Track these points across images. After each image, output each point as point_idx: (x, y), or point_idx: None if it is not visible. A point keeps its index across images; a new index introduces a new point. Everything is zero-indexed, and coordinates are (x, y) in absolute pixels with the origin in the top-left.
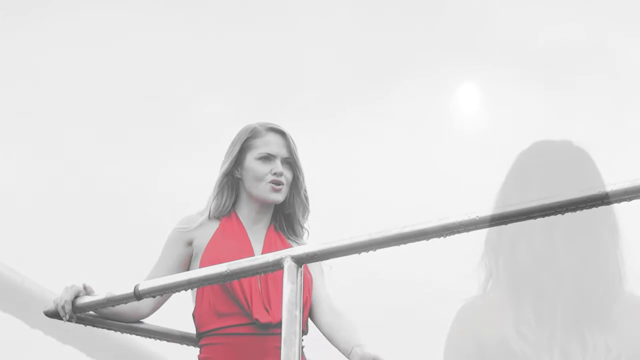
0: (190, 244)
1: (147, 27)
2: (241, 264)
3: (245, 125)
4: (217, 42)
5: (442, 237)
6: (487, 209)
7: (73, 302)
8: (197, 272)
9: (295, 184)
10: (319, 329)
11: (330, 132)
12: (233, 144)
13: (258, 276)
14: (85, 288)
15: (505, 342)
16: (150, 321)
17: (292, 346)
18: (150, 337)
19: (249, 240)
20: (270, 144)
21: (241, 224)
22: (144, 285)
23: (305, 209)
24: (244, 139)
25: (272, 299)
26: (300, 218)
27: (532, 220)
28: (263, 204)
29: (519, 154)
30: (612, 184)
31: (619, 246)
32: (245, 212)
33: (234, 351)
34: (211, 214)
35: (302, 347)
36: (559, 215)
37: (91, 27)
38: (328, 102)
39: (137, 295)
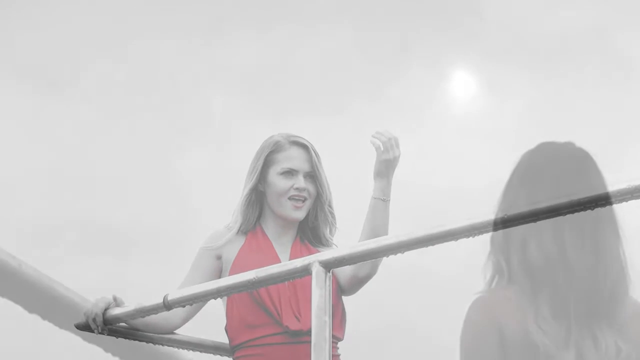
0: (219, 258)
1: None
2: (269, 270)
3: (268, 137)
4: (221, 35)
5: (470, 237)
6: (498, 209)
7: (104, 314)
8: (225, 280)
9: (319, 198)
10: (349, 279)
11: (334, 124)
12: (256, 158)
13: (286, 284)
14: (115, 299)
15: (527, 335)
16: (182, 331)
17: (321, 352)
18: (182, 348)
19: (276, 253)
20: (292, 158)
21: (267, 237)
22: (173, 295)
23: (330, 223)
24: (266, 154)
25: (302, 306)
26: (326, 232)
27: (539, 221)
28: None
29: (524, 154)
30: (617, 184)
31: (621, 248)
32: (270, 225)
33: None
34: (239, 229)
35: (338, 356)
36: (567, 216)
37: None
38: (330, 94)
39: (167, 305)
